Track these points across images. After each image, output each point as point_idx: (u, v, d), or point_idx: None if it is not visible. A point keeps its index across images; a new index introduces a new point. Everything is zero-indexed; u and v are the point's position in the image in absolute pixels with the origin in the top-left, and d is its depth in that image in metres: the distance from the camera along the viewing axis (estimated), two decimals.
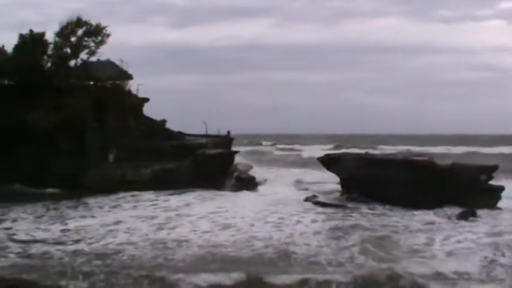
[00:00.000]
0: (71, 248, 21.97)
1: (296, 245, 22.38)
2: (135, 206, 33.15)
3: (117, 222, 27.42)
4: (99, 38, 45.94)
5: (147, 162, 42.70)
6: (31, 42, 44.54)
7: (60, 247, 22.04)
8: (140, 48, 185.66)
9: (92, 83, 46.92)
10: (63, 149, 41.75)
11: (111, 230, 25.49)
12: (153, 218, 28.74)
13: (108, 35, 46.10)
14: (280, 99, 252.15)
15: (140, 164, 42.44)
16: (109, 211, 31.58)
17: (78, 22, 45.60)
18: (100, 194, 36.83)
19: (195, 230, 25.48)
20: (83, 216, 29.52)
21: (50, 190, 40.08)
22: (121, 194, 36.82)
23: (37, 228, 26.21)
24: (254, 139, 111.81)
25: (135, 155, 43.86)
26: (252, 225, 26.83)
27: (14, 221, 28.49)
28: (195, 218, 28.33)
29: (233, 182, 41.81)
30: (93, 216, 29.57)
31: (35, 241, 23.45)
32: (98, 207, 32.72)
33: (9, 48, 45.91)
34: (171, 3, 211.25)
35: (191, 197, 36.17)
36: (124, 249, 21.46)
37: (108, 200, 35.04)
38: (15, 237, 24.36)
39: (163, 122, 49.20)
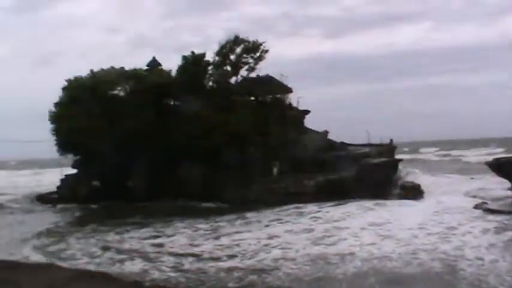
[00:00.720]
0: (226, 263, 21.83)
1: (465, 259, 20.52)
2: (295, 219, 32.60)
3: (274, 237, 26.94)
4: (258, 54, 46.57)
5: (311, 174, 42.58)
6: (193, 63, 46.12)
7: (214, 263, 21.99)
8: (297, 61, 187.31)
9: (252, 98, 47.74)
10: (227, 164, 42.73)
11: (266, 245, 25.11)
12: (312, 231, 28.01)
13: (266, 51, 46.72)
14: (440, 105, 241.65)
15: (304, 176, 42.38)
16: (267, 225, 31.25)
17: (236, 40, 46.58)
18: (263, 207, 37.06)
19: (356, 243, 24.43)
20: (239, 232, 29.35)
21: (212, 204, 41.18)
22: (284, 207, 36.65)
23: (191, 244, 26.51)
24: (415, 146, 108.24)
25: (299, 167, 43.99)
26: (416, 236, 25.30)
27: (172, 235, 29.29)
28: (357, 230, 27.35)
29: (398, 191, 40.50)
30: (249, 231, 29.37)
31: (190, 255, 23.70)
32: (257, 221, 32.66)
33: (173, 69, 48.31)
34: (324, 15, 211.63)
35: (354, 207, 35.24)
36: (281, 265, 20.93)
37: (269, 214, 35.04)
38: (171, 250, 24.96)
39: (325, 133, 48.91)
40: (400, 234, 25.71)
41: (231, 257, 23.11)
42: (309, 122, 49.99)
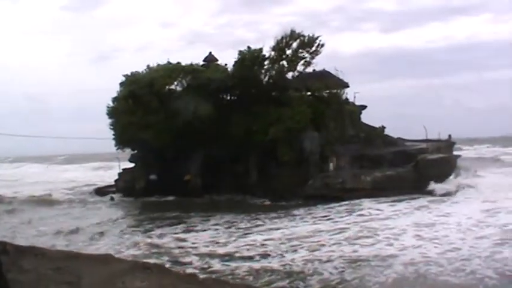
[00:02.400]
0: (256, 264, 21.10)
1: None
2: (342, 217, 31.85)
3: (310, 236, 26.15)
4: (313, 48, 46.10)
5: (367, 169, 42.23)
6: (249, 58, 46.04)
7: (241, 263, 21.36)
8: (353, 56, 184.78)
9: (309, 93, 47.46)
10: (284, 159, 42.68)
11: (297, 245, 24.17)
12: (349, 230, 27.24)
13: (322, 45, 46.07)
14: (500, 100, 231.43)
15: (360, 171, 42.09)
16: (306, 221, 30.93)
17: (292, 35, 46.17)
18: (318, 203, 36.84)
19: (401, 244, 23.30)
20: (277, 228, 28.85)
21: (266, 200, 41.39)
22: (338, 204, 36.23)
23: (216, 241, 26.10)
24: (472, 142, 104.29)
25: (355, 162, 43.80)
26: (464, 239, 23.68)
27: (202, 230, 29.40)
28: (400, 230, 26.13)
29: (455, 188, 39.53)
30: (286, 227, 28.86)
31: (219, 255, 23.14)
32: (300, 219, 32.15)
33: (229, 65, 48.65)
34: (380, 9, 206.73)
35: (408, 204, 34.69)
36: (313, 267, 20.05)
37: (319, 210, 34.67)
38: (194, 246, 24.91)
39: (382, 128, 48.31)
40: (448, 236, 24.53)
41: (264, 256, 22.46)
42: (366, 117, 49.79)
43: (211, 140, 44.42)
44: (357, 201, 36.73)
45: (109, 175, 57.11)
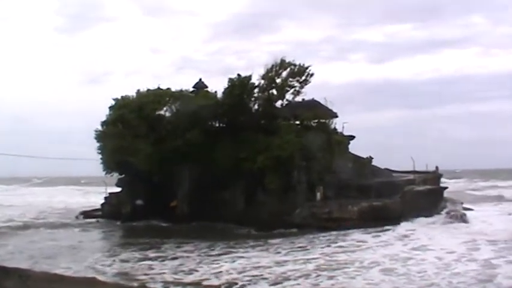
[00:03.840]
0: None
1: None
2: (322, 247, 31.85)
3: (273, 266, 26.04)
4: (303, 78, 46.26)
5: (354, 199, 42.13)
6: (239, 85, 46.09)
7: None
8: (341, 86, 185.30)
9: (298, 122, 47.52)
10: (271, 186, 42.50)
11: (258, 275, 24.06)
12: (318, 261, 27.13)
13: (311, 75, 46.29)
14: (487, 132, 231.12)
15: (347, 201, 41.91)
16: (278, 252, 30.69)
17: (283, 64, 46.37)
18: (303, 233, 36.95)
19: (366, 279, 23.10)
20: (248, 257, 28.73)
21: (250, 229, 40.79)
22: (325, 233, 36.28)
23: (181, 270, 25.95)
24: (458, 174, 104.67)
25: (342, 192, 43.62)
26: (438, 274, 23.52)
27: (175, 258, 29.12)
28: (371, 263, 26.10)
29: (442, 219, 39.65)
30: (253, 256, 28.87)
31: (184, 284, 23.09)
32: (274, 249, 31.86)
33: (219, 92, 48.61)
34: (369, 40, 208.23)
35: (392, 235, 34.89)
36: None
37: (300, 240, 34.72)
38: (165, 276, 24.55)
39: (370, 159, 48.41)
40: (425, 270, 24.41)
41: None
42: (354, 148, 49.86)
43: (199, 166, 44.32)
44: (344, 231, 36.71)
45: (95, 199, 56.82)
